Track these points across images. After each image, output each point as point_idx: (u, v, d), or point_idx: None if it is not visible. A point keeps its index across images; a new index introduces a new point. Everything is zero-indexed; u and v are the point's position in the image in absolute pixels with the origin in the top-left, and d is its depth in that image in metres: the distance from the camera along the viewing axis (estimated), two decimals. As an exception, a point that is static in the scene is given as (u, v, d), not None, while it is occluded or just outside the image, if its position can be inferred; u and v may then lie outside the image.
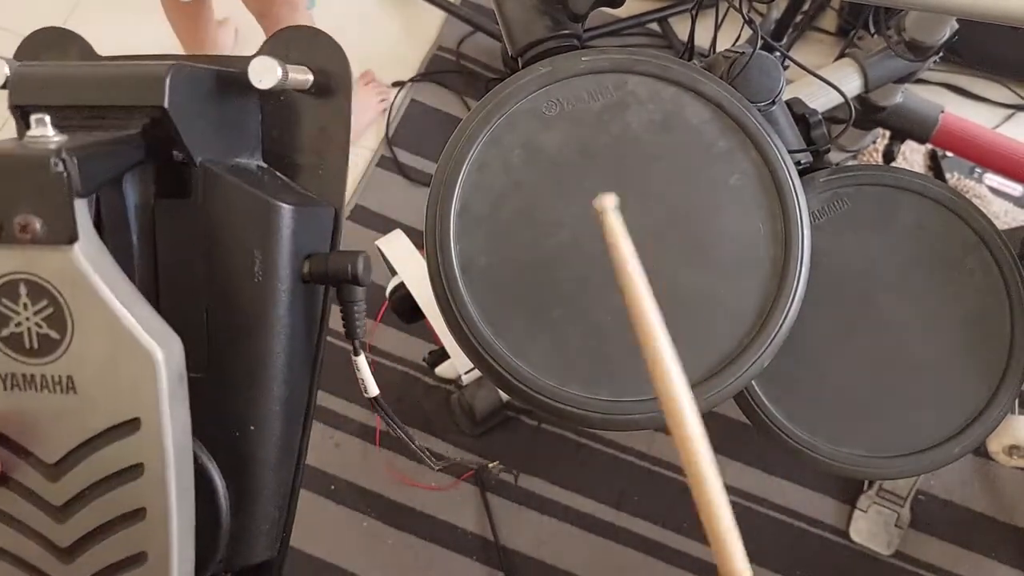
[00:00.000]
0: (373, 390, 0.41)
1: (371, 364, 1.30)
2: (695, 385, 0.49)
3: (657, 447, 1.29)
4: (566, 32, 0.57)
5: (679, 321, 0.50)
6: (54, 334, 0.30)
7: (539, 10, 0.57)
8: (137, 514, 0.32)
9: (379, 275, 1.33)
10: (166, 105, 0.33)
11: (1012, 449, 0.83)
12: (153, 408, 0.31)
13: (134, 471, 0.31)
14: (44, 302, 0.30)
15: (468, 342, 0.50)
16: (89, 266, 0.30)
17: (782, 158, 0.51)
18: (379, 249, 1.05)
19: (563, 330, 0.50)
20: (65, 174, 0.29)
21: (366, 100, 1.44)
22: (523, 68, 0.54)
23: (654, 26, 1.54)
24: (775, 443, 0.59)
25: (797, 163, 0.60)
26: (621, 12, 0.83)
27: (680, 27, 1.54)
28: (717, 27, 0.66)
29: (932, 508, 1.27)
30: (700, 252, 0.51)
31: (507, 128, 0.52)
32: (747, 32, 0.62)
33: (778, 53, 0.63)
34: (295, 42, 0.38)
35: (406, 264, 1.02)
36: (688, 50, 0.73)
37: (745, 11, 0.63)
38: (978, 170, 1.44)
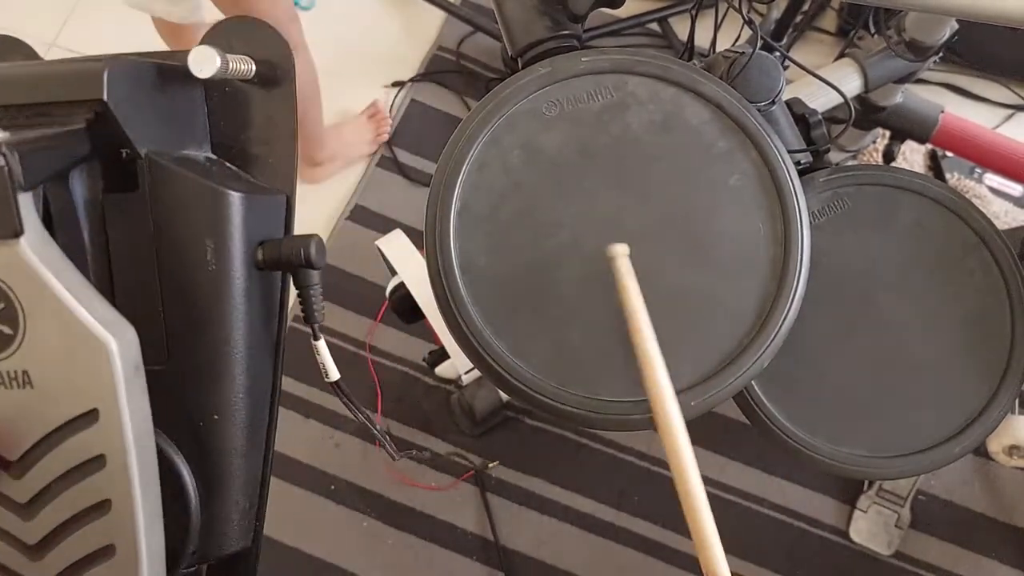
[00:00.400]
0: (334, 374, 0.42)
1: (371, 364, 1.31)
2: (695, 385, 0.50)
3: (657, 447, 1.29)
4: (566, 32, 0.57)
5: (679, 321, 0.50)
6: (6, 329, 0.30)
7: (539, 10, 0.57)
8: (102, 506, 0.32)
9: (379, 275, 1.33)
10: (105, 98, 0.33)
11: (1012, 449, 0.83)
12: (111, 398, 0.31)
13: (96, 463, 0.31)
14: None
15: (468, 342, 0.50)
16: (36, 259, 0.30)
17: (782, 158, 0.51)
18: (379, 249, 1.06)
19: (563, 330, 0.50)
20: (6, 168, 0.29)
21: (364, 133, 1.44)
22: (523, 68, 0.54)
23: (654, 26, 1.54)
24: (775, 443, 0.59)
25: (797, 163, 0.60)
26: (621, 12, 0.83)
27: (680, 27, 1.54)
28: (717, 27, 0.66)
29: (932, 508, 1.27)
30: (700, 252, 0.51)
31: (507, 128, 0.52)
32: (747, 32, 0.62)
33: (778, 53, 0.63)
34: (237, 32, 0.38)
35: (406, 264, 1.02)
36: (688, 50, 0.73)
37: (745, 11, 0.63)
38: (978, 170, 1.44)
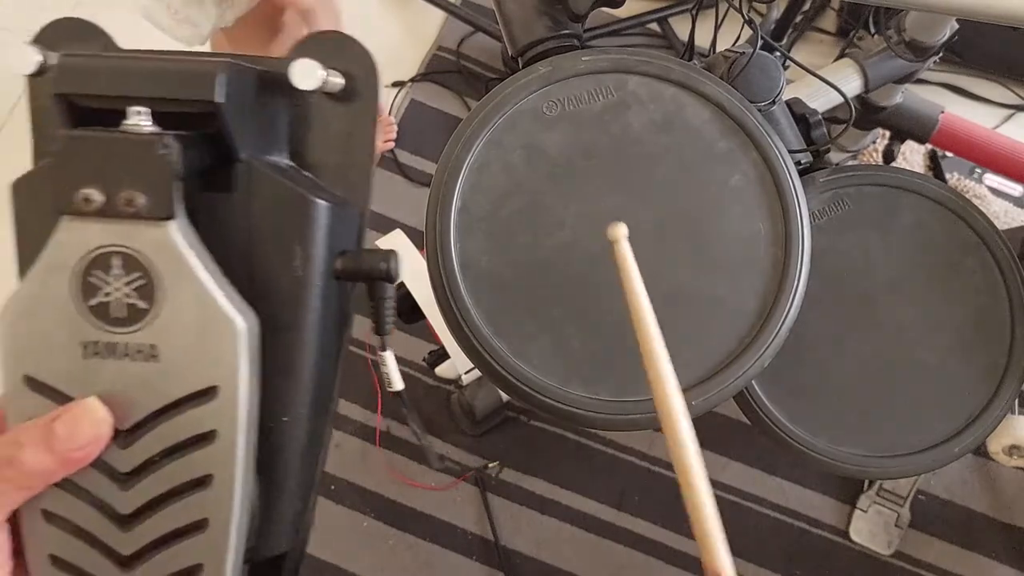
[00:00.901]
0: (398, 384, 0.43)
1: (371, 364, 1.31)
2: (696, 385, 0.50)
3: (657, 447, 1.29)
4: (566, 32, 0.57)
5: (680, 321, 0.50)
6: (142, 304, 0.32)
7: (539, 10, 0.57)
8: (204, 481, 0.33)
9: (379, 275, 1.33)
10: (220, 100, 0.33)
11: (1012, 449, 0.83)
12: (232, 376, 0.33)
13: (206, 438, 0.33)
14: (136, 274, 0.32)
15: (468, 342, 0.50)
16: (184, 242, 0.32)
17: (782, 158, 0.51)
18: (379, 249, 1.05)
19: (563, 330, 0.50)
20: (169, 156, 0.31)
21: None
22: (523, 68, 0.54)
23: (654, 26, 1.54)
24: (775, 443, 0.59)
25: (797, 163, 0.60)
26: (621, 12, 0.83)
27: (680, 27, 1.54)
28: (717, 27, 0.66)
29: (932, 508, 1.27)
30: (700, 252, 0.51)
31: (507, 128, 0.52)
32: (747, 32, 0.62)
33: (778, 53, 0.63)
34: (326, 46, 0.39)
35: (406, 264, 1.02)
36: (688, 50, 0.73)
37: (745, 11, 0.63)
38: (978, 170, 1.44)
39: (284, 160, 0.39)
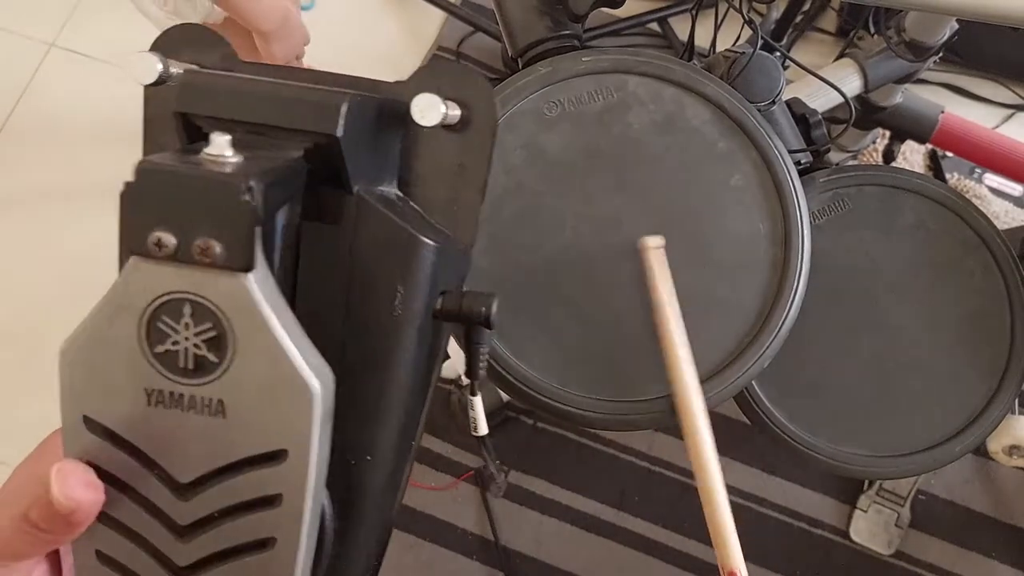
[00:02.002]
0: (484, 429, 0.43)
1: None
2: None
3: (657, 447, 1.29)
4: (566, 32, 0.57)
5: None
6: (212, 357, 0.30)
7: (539, 10, 0.57)
8: (266, 543, 0.32)
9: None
10: (339, 135, 0.32)
11: (1012, 449, 0.83)
12: (304, 442, 0.31)
13: (271, 501, 0.31)
14: (208, 324, 0.30)
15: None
16: (261, 295, 0.30)
17: (782, 158, 0.51)
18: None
19: (563, 330, 0.50)
20: (252, 203, 0.29)
21: None
22: (523, 68, 0.54)
23: (654, 26, 1.54)
24: (775, 443, 0.59)
25: (797, 163, 0.60)
26: (621, 12, 0.83)
27: (680, 27, 1.54)
28: (717, 27, 0.66)
29: (932, 508, 1.27)
30: (701, 252, 0.51)
31: (508, 129, 0.52)
32: (747, 32, 0.62)
33: (778, 53, 0.63)
34: (445, 76, 0.38)
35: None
36: (688, 50, 0.73)
37: (745, 11, 0.63)
38: (978, 170, 1.44)
39: (392, 191, 0.38)
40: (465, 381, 1.26)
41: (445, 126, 0.38)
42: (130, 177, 0.32)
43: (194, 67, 0.36)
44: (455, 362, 1.25)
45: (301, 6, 1.58)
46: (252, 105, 0.33)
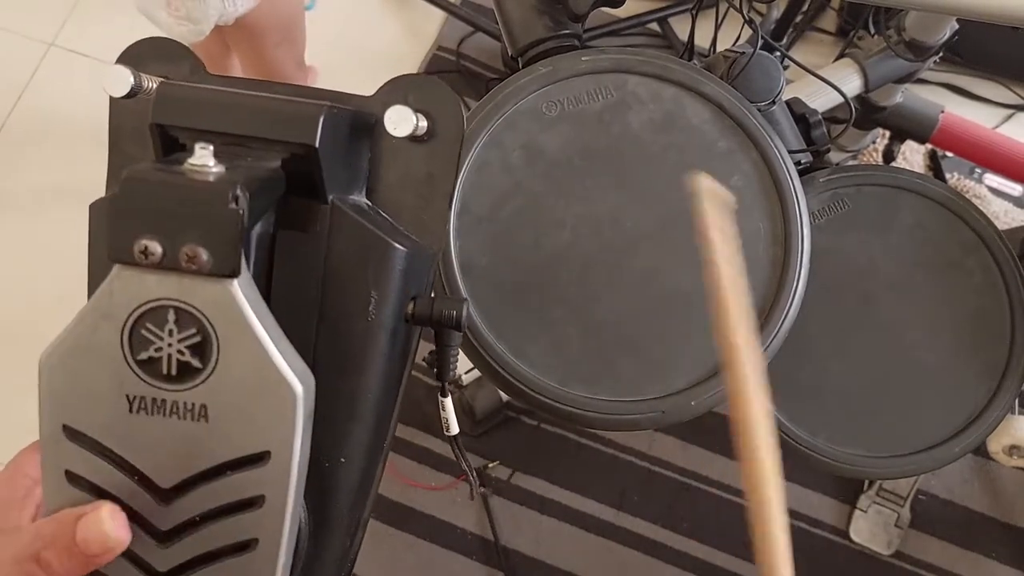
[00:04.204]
0: (454, 429, 0.43)
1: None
2: (696, 385, 0.50)
3: (657, 447, 1.29)
4: (566, 32, 0.57)
5: (679, 321, 0.50)
6: (195, 363, 0.30)
7: (539, 10, 0.57)
8: (248, 545, 0.32)
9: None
10: (317, 145, 0.33)
11: (1012, 449, 0.83)
12: (287, 443, 0.31)
13: (254, 503, 0.32)
14: (192, 330, 0.30)
15: (468, 342, 0.50)
16: (246, 301, 0.30)
17: (782, 158, 0.51)
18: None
19: (563, 330, 0.50)
20: (240, 211, 0.29)
21: None
22: (523, 68, 0.54)
23: (654, 26, 1.54)
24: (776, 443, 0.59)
25: (797, 163, 0.60)
26: (621, 12, 0.83)
27: (680, 27, 1.54)
28: (717, 27, 0.66)
29: (932, 508, 1.27)
30: (700, 252, 0.51)
31: (507, 128, 0.52)
32: (747, 32, 0.62)
33: (778, 53, 0.63)
34: (412, 88, 0.39)
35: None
36: (688, 50, 0.73)
37: (745, 11, 0.63)
38: (978, 170, 1.44)
39: (363, 200, 0.39)
40: (465, 381, 1.26)
41: (413, 137, 0.39)
42: (99, 184, 0.32)
43: (165, 79, 0.36)
44: (455, 362, 1.22)
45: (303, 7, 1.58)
46: (231, 116, 0.33)
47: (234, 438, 0.31)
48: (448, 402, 0.42)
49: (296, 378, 0.31)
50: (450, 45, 1.53)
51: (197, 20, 0.97)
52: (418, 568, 1.25)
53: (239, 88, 0.36)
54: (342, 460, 0.37)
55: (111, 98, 0.37)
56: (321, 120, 0.33)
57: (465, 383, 1.27)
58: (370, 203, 0.39)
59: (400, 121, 0.36)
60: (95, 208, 0.35)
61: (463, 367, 1.27)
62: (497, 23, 0.59)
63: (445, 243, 0.41)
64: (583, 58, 0.53)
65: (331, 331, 0.36)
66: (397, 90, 0.39)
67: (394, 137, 0.38)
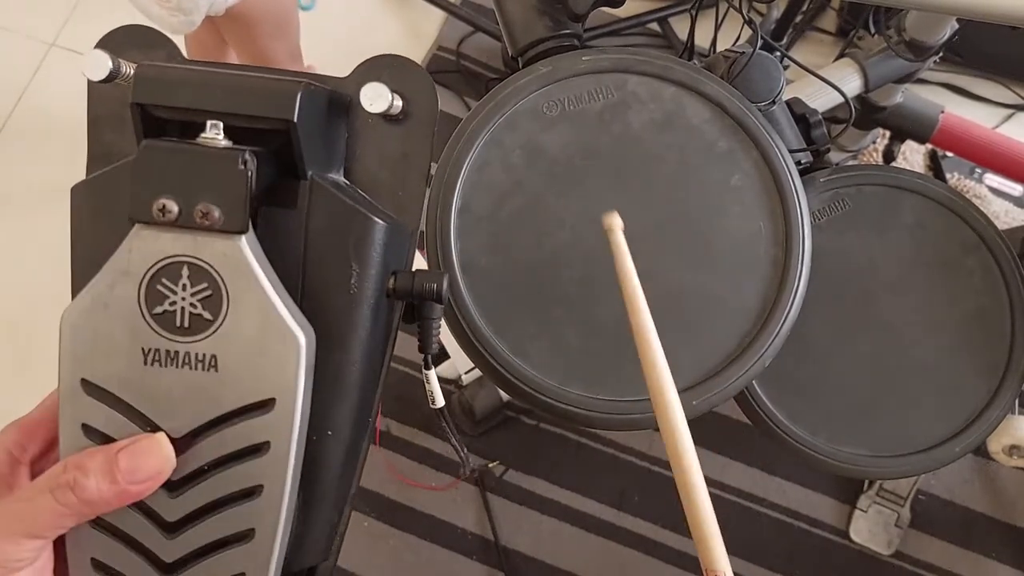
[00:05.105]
0: (440, 401, 0.43)
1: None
2: (696, 385, 0.50)
3: (657, 447, 1.29)
4: (566, 32, 0.57)
5: (680, 321, 0.50)
6: (207, 315, 0.32)
7: (539, 10, 0.57)
8: (254, 491, 0.33)
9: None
10: (295, 120, 0.34)
11: (1012, 449, 0.83)
12: (291, 389, 0.33)
13: (260, 449, 0.33)
14: (204, 284, 0.32)
15: (468, 342, 0.50)
16: (252, 255, 0.33)
17: (783, 158, 0.51)
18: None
19: (563, 330, 0.50)
20: (248, 172, 0.32)
21: None
22: (523, 68, 0.54)
23: (654, 26, 1.54)
24: (775, 443, 0.59)
25: (797, 163, 0.60)
26: (621, 12, 0.83)
27: (680, 27, 1.54)
28: (717, 27, 0.66)
29: (932, 508, 1.27)
30: (701, 252, 0.51)
31: (507, 128, 0.52)
32: (747, 32, 0.62)
33: (778, 53, 0.63)
34: (388, 69, 0.40)
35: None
36: (688, 50, 0.73)
37: (745, 11, 0.63)
38: (978, 170, 1.44)
39: (341, 178, 0.40)
40: (465, 381, 1.26)
41: (388, 117, 0.40)
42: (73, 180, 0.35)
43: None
44: (455, 362, 1.26)
45: (302, 7, 1.58)
46: (210, 94, 0.34)
47: (242, 386, 0.33)
48: (432, 374, 0.42)
49: (299, 329, 0.33)
50: (450, 45, 1.53)
51: (188, 11, 0.97)
52: (418, 568, 1.25)
53: (217, 69, 0.37)
54: (329, 433, 0.37)
55: (89, 83, 0.38)
56: (299, 96, 0.34)
57: (465, 383, 1.27)
58: (347, 182, 0.40)
59: (376, 97, 0.38)
60: (76, 191, 0.36)
61: (463, 367, 1.27)
62: (497, 23, 0.59)
63: (420, 221, 0.42)
64: (583, 58, 0.53)
65: (314, 306, 0.36)
66: (373, 70, 0.40)
67: (370, 116, 0.39)
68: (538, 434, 1.30)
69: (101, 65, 0.35)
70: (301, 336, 0.33)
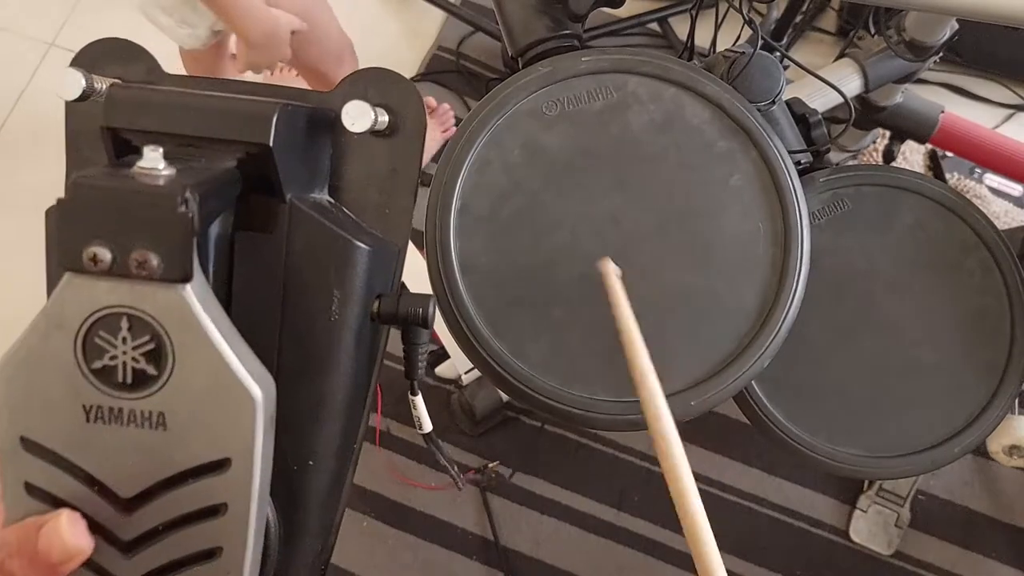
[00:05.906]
0: (427, 426, 0.43)
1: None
2: (696, 385, 0.50)
3: (657, 447, 1.29)
4: (566, 32, 0.57)
5: (679, 322, 0.50)
6: (151, 370, 0.30)
7: (539, 10, 0.57)
8: (212, 553, 0.31)
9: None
10: (271, 144, 0.33)
11: (1012, 449, 0.83)
12: (247, 449, 0.31)
13: (216, 511, 0.31)
14: (146, 337, 0.30)
15: (468, 342, 0.50)
16: (200, 306, 0.29)
17: (782, 158, 0.51)
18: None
19: (563, 330, 0.50)
20: (189, 215, 0.28)
21: (430, 133, 1.43)
22: (523, 68, 0.54)
23: (654, 26, 1.54)
24: (775, 443, 0.59)
25: (797, 163, 0.60)
26: (621, 12, 0.83)
27: (680, 27, 1.54)
28: (717, 27, 0.66)
29: (932, 508, 1.27)
30: (700, 252, 0.51)
31: (507, 128, 0.52)
32: (747, 32, 0.62)
33: (778, 53, 0.63)
34: (373, 83, 0.39)
35: (406, 264, 1.02)
36: (688, 50, 0.73)
37: (745, 11, 0.63)
38: (978, 170, 1.44)
39: (324, 197, 0.38)
40: (465, 381, 1.26)
41: (375, 132, 0.38)
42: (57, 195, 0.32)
43: (118, 81, 0.36)
44: (455, 362, 1.26)
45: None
46: (182, 117, 0.33)
47: (194, 446, 0.30)
48: (419, 400, 0.42)
49: (255, 383, 0.30)
50: (450, 45, 1.53)
51: (194, 24, 0.97)
52: (418, 568, 1.25)
53: (194, 88, 0.36)
54: (310, 463, 0.36)
55: (66, 103, 0.36)
56: (275, 119, 0.33)
57: (465, 383, 1.27)
58: (333, 200, 0.39)
59: (358, 116, 0.36)
60: (50, 214, 0.35)
61: (463, 367, 1.27)
62: (497, 23, 0.59)
63: (407, 239, 0.40)
64: (583, 58, 0.53)
65: (294, 333, 0.35)
66: (357, 85, 0.39)
67: (356, 133, 0.37)
68: (538, 434, 1.30)
69: (74, 84, 0.34)
70: (257, 392, 0.30)
